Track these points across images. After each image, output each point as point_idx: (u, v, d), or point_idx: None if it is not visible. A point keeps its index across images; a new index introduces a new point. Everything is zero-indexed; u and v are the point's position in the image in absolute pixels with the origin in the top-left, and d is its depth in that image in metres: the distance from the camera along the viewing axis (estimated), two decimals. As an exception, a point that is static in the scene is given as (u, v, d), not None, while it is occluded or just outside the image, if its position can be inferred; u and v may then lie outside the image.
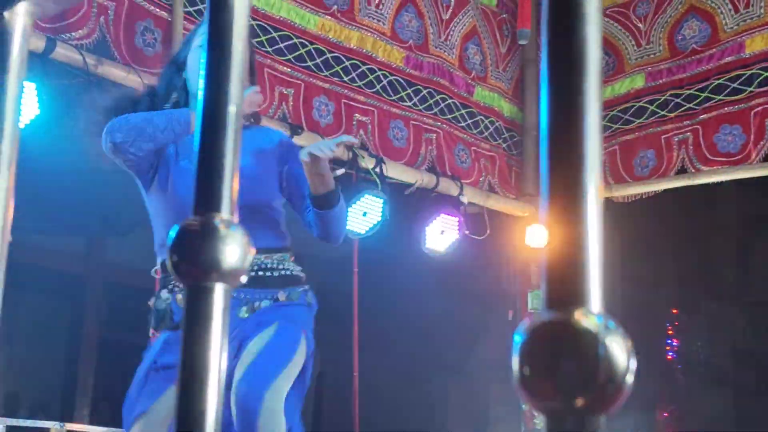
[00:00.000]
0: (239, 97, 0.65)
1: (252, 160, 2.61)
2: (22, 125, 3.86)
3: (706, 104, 5.25)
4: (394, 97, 5.25)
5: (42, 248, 7.74)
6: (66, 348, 8.75)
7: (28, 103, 3.84)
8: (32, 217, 5.93)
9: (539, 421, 4.77)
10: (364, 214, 4.89)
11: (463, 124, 5.58)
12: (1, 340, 8.33)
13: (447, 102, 5.51)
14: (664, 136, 5.40)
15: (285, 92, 4.78)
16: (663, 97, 5.43)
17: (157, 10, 4.33)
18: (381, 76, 5.20)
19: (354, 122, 5.05)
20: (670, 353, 10.66)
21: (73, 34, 4.00)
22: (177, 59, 2.74)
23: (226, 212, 0.63)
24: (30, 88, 3.84)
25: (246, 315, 2.48)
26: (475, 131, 5.67)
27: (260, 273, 2.51)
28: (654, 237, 7.72)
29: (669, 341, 10.72)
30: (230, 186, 0.63)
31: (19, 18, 0.94)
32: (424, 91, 5.40)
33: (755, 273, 8.52)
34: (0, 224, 0.92)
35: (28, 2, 0.94)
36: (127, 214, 7.21)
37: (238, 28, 0.65)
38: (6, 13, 0.93)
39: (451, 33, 5.58)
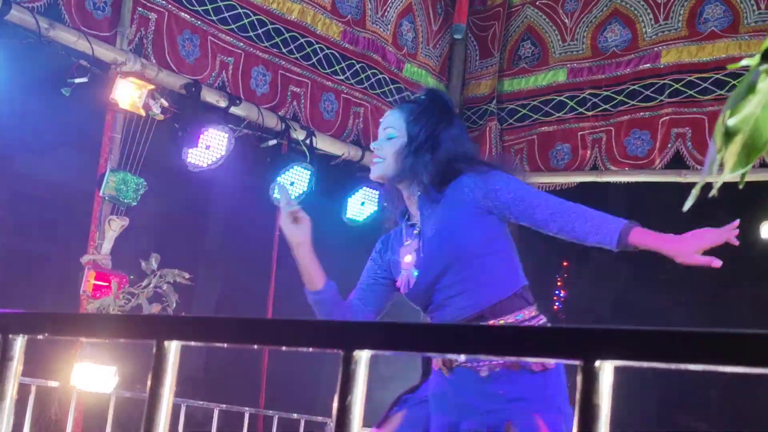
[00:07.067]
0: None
1: None
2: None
3: (621, 107, 5.49)
4: (328, 71, 5.38)
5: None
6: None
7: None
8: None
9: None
10: (291, 184, 5.09)
11: (390, 99, 5.73)
12: None
13: (378, 77, 5.66)
14: (580, 132, 5.62)
15: (226, 61, 4.88)
16: (582, 95, 5.65)
17: (107, -27, 4.36)
18: (318, 50, 5.32)
19: (288, 93, 5.18)
20: (557, 303, 11.29)
21: (24, -5, 4.03)
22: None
23: None
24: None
25: None
26: (401, 106, 5.82)
27: None
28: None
29: (557, 292, 11.35)
30: None
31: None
32: (357, 66, 5.53)
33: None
34: None
35: None
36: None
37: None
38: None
39: (388, 9, 5.72)
